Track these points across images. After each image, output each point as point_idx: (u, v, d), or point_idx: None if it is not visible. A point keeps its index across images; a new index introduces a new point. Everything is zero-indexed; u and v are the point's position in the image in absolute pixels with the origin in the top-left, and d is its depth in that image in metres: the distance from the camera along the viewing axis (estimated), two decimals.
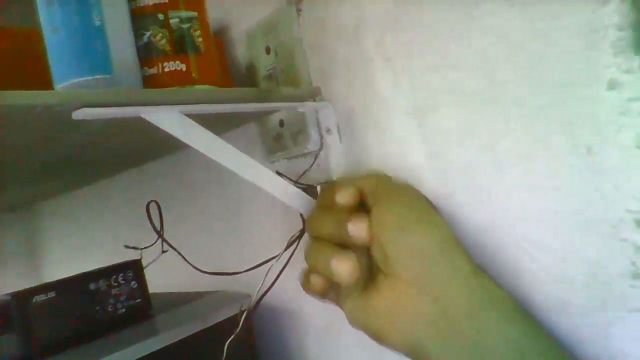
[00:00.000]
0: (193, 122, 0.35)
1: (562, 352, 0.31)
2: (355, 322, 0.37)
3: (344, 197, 0.35)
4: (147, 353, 0.42)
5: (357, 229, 0.33)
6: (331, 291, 0.38)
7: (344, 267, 0.32)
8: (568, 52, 0.32)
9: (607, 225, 0.31)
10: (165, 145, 0.56)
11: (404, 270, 0.32)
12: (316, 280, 0.37)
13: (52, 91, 0.29)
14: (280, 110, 0.48)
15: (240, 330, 0.45)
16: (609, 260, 0.31)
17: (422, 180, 0.40)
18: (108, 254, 0.89)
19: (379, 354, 0.48)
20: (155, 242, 0.50)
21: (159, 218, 0.50)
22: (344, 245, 0.34)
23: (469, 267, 0.32)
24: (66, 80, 0.31)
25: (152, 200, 0.50)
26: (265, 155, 0.53)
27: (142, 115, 0.33)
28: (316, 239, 0.36)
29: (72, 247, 1.05)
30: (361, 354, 0.50)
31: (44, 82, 0.40)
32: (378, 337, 0.34)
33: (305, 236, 0.47)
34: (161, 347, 0.43)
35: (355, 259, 0.32)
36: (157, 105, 0.34)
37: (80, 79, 0.30)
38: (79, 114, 0.30)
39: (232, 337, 0.45)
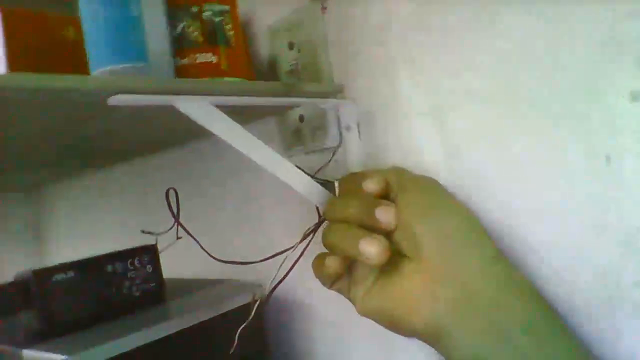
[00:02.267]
0: (221, 113, 0.36)
1: (575, 338, 0.32)
2: (367, 309, 0.37)
3: (372, 184, 0.36)
4: (160, 337, 0.43)
5: (386, 214, 0.34)
6: (342, 277, 0.39)
7: (374, 248, 0.33)
8: (589, 61, 0.33)
9: (622, 233, 0.32)
10: (185, 134, 0.57)
11: (431, 254, 0.33)
12: (332, 263, 0.37)
13: (90, 76, 0.30)
14: (302, 105, 0.49)
15: (252, 318, 0.46)
16: (621, 268, 0.32)
17: (439, 179, 0.41)
18: (117, 239, 0.90)
19: (386, 347, 0.49)
20: (171, 228, 0.51)
21: (175, 205, 0.51)
22: (368, 229, 0.35)
23: (494, 252, 0.33)
24: (102, 67, 0.32)
25: (170, 188, 0.51)
26: (283, 149, 0.54)
27: (174, 104, 0.34)
28: (337, 222, 0.37)
29: (79, 230, 1.06)
30: (369, 347, 0.51)
31: (76, 67, 0.41)
32: (395, 323, 0.35)
33: (321, 228, 0.48)
34: (174, 331, 0.44)
35: (385, 241, 0.33)
36: (188, 95, 0.34)
37: (117, 66, 0.31)
38: (114, 100, 0.31)
39: (244, 324, 0.46)
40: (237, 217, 0.64)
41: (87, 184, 0.96)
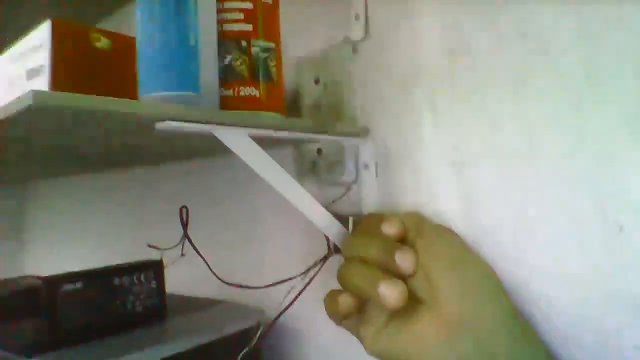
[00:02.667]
0: (256, 145, 0.37)
1: None
2: (376, 349, 0.38)
3: (392, 228, 0.38)
4: (163, 357, 0.43)
5: (406, 259, 0.35)
6: (353, 315, 0.40)
7: (394, 292, 0.34)
8: (613, 134, 0.35)
9: (630, 299, 0.34)
10: (203, 151, 0.57)
11: (450, 304, 0.34)
12: (345, 300, 0.38)
13: (143, 102, 0.31)
14: (322, 140, 0.51)
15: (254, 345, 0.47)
16: (626, 332, 0.34)
17: (454, 228, 0.43)
18: (107, 247, 0.89)
19: None
20: (179, 244, 0.52)
21: (184, 221, 0.52)
22: (385, 271, 0.36)
23: (509, 305, 0.35)
24: (153, 92, 0.32)
25: (183, 206, 0.51)
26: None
27: (215, 134, 0.35)
28: (355, 260, 0.38)
29: (60, 232, 1.04)
30: None
31: (109, 80, 0.42)
32: None
33: (330, 261, 0.49)
34: (175, 352, 0.44)
35: (404, 286, 0.34)
36: (229, 126, 0.36)
37: (167, 93, 0.32)
38: (162, 126, 0.32)
39: (246, 350, 0.46)
40: (241, 238, 0.64)
41: (81, 185, 0.95)
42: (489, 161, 0.41)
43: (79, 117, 0.30)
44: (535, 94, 0.39)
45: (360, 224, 0.43)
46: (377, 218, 0.40)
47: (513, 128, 0.40)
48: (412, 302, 0.36)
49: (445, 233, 0.39)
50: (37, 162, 0.59)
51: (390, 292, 0.34)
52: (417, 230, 0.39)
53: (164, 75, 0.32)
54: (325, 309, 0.40)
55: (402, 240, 0.39)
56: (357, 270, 0.37)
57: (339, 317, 0.40)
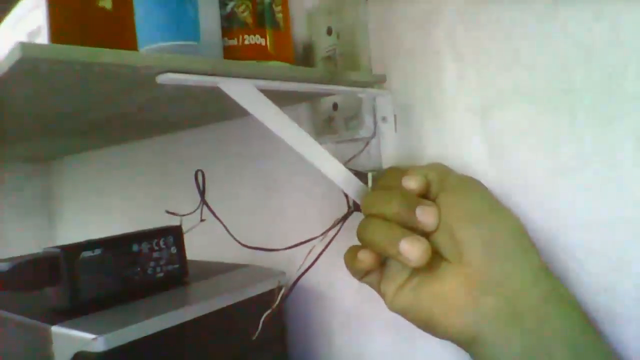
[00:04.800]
0: (265, 97, 0.35)
1: (614, 355, 0.31)
2: (398, 305, 0.36)
3: (413, 182, 0.35)
4: (186, 320, 0.43)
5: (428, 215, 0.33)
6: (375, 271, 0.39)
7: (415, 250, 0.32)
8: None
9: None
10: (217, 114, 0.56)
11: (475, 259, 0.32)
12: (366, 258, 0.37)
13: (142, 53, 0.29)
14: (337, 93, 0.48)
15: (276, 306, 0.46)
16: None
17: (480, 178, 0.40)
18: (132, 216, 0.90)
19: (405, 340, 0.49)
20: (197, 209, 0.51)
21: (202, 185, 0.51)
22: (406, 227, 0.34)
23: (539, 262, 0.32)
24: (153, 43, 0.31)
25: (198, 170, 0.50)
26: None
27: (220, 86, 0.33)
28: (375, 217, 0.36)
29: (89, 205, 1.05)
30: (386, 340, 0.50)
31: (113, 40, 0.40)
32: (428, 323, 0.34)
33: (351, 219, 0.48)
34: (200, 315, 0.44)
35: (427, 243, 0.32)
36: (235, 77, 0.34)
37: (167, 44, 0.30)
38: (164, 79, 0.30)
39: (269, 311, 0.45)
40: (259, 201, 0.63)
41: (103, 159, 0.96)
42: (518, 104, 0.38)
43: (74, 73, 0.29)
44: (567, 28, 0.35)
45: (381, 179, 0.41)
46: (398, 172, 0.38)
47: (543, 65, 0.37)
48: (436, 259, 0.34)
49: (471, 185, 0.37)
50: (51, 133, 0.59)
51: (411, 250, 0.32)
52: (440, 184, 0.36)
53: (162, 25, 0.30)
54: (346, 266, 0.39)
55: (425, 195, 0.37)
56: (378, 227, 0.35)
57: (359, 274, 0.39)
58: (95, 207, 1.02)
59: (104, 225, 0.96)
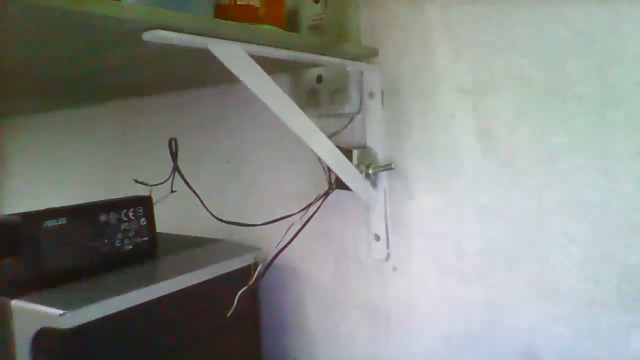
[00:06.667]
0: (255, 63, 0.33)
1: None
2: None
3: None
4: (158, 296, 0.41)
5: None
6: None
7: None
8: None
9: None
10: (191, 79, 0.53)
11: None
12: None
13: (128, 5, 0.26)
14: (324, 65, 0.46)
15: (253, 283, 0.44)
16: None
17: (467, 158, 0.40)
18: (87, 186, 0.85)
19: (380, 324, 0.49)
20: (169, 179, 0.48)
21: (174, 153, 0.48)
22: None
23: None
24: None
25: (172, 138, 0.47)
26: None
27: (209, 48, 0.31)
28: None
29: (42, 170, 0.99)
30: (362, 321, 0.50)
31: None
32: None
33: (331, 196, 0.47)
34: (170, 291, 0.42)
35: None
36: (226, 40, 0.31)
37: None
38: (151, 36, 0.28)
39: (245, 288, 0.44)
40: (232, 175, 0.61)
41: (61, 123, 0.90)
42: (509, 86, 0.38)
43: (53, 21, 0.26)
44: (564, 17, 0.35)
45: None
46: None
47: (538, 50, 0.36)
48: None
49: None
50: (6, 89, 0.54)
51: None
52: None
53: None
54: None
55: None
56: None
57: None
58: (51, 174, 0.96)
59: (60, 194, 0.91)
